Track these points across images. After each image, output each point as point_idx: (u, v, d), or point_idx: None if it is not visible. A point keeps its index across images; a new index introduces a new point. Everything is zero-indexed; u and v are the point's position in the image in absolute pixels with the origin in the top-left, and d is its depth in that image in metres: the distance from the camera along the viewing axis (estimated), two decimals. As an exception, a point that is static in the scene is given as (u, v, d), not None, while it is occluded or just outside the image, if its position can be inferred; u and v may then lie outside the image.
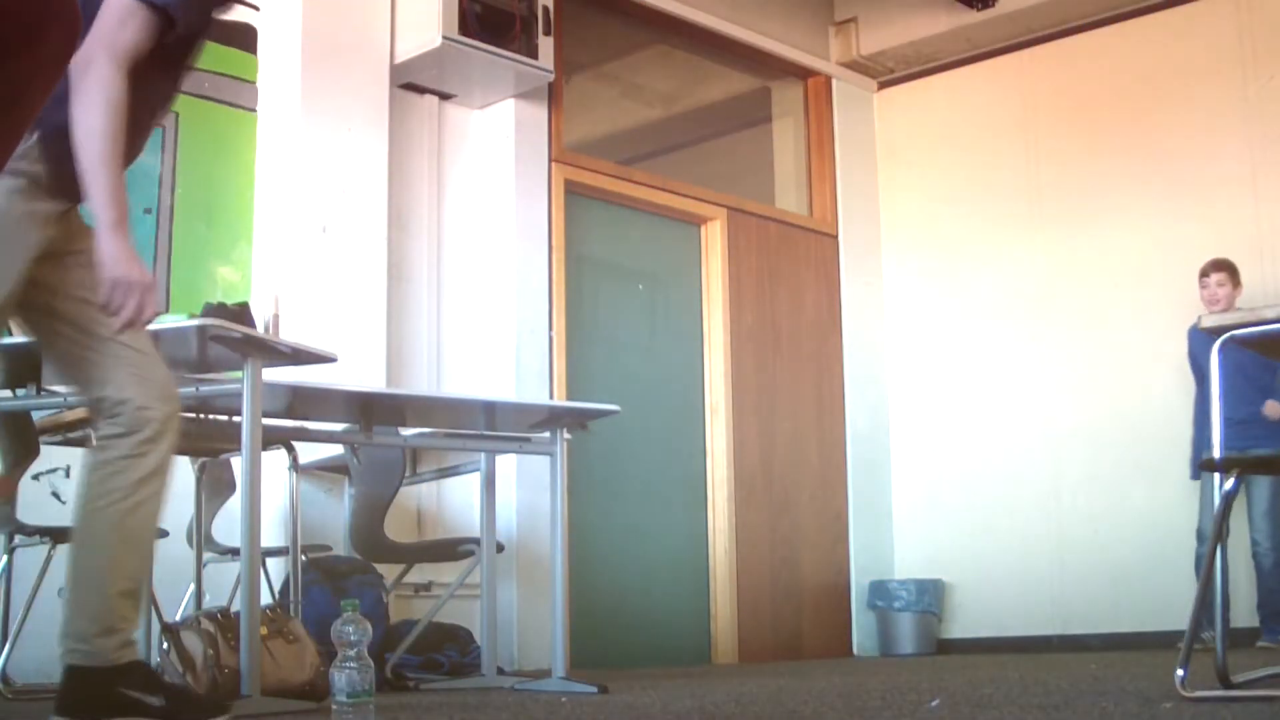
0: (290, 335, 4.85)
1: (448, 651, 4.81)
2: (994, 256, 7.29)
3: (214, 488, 4.68)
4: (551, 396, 5.91)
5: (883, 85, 7.81)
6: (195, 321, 3.23)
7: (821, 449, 7.18)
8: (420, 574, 5.30)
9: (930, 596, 6.98)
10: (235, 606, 3.49)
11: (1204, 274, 6.01)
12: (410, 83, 5.84)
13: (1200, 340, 5.61)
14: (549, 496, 4.44)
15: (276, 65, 5.53)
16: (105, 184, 2.43)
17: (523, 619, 5.60)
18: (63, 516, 4.49)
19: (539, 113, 6.16)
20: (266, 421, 3.57)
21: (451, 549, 4.80)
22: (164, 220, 5.26)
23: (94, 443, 2.66)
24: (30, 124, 1.08)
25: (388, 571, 4.91)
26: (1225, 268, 5.99)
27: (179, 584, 4.51)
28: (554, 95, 6.24)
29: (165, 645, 3.16)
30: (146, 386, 2.62)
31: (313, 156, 5.44)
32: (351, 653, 2.82)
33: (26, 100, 1.02)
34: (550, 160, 6.16)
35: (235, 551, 4.41)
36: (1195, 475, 5.94)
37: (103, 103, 2.42)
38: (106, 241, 2.45)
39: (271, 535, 4.72)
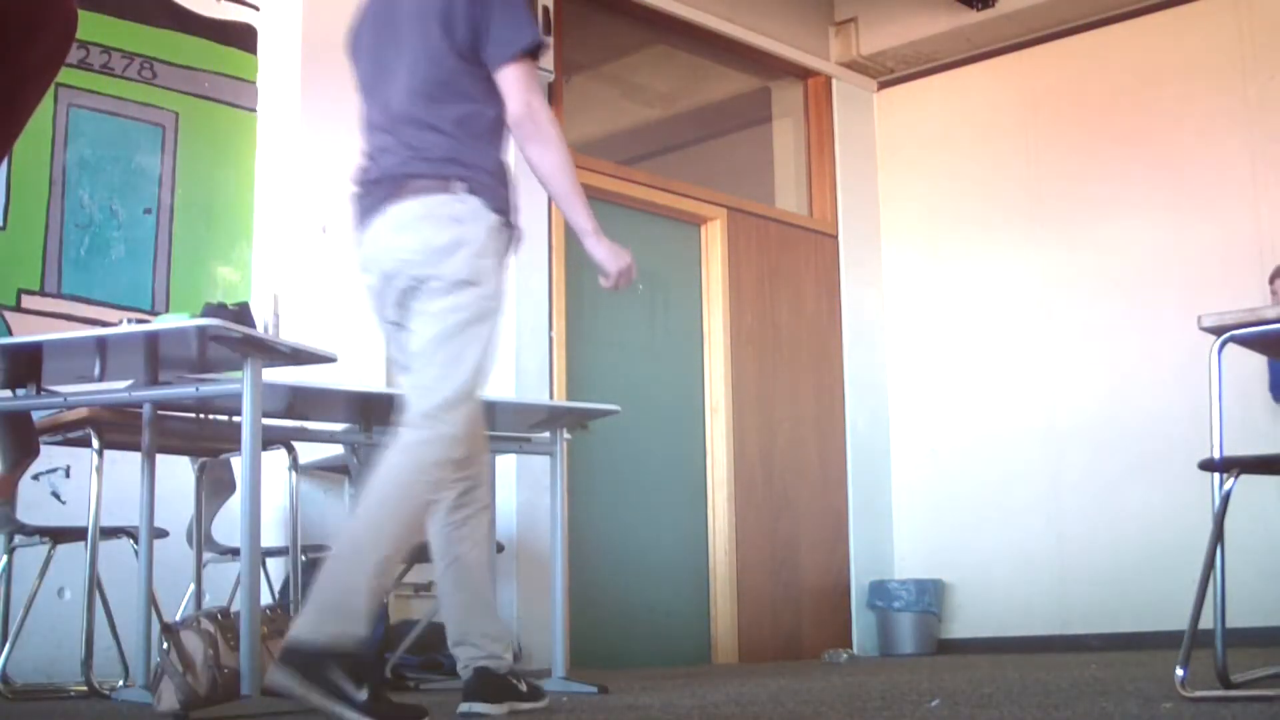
0: (290, 335, 4.85)
1: (447, 651, 4.79)
2: (994, 256, 7.29)
3: (214, 488, 4.68)
4: (551, 397, 5.91)
5: (883, 85, 7.81)
6: (195, 321, 3.23)
7: (821, 449, 7.18)
8: (420, 574, 5.29)
9: (930, 596, 6.98)
10: (235, 606, 3.49)
11: (1274, 278, 5.95)
12: (410, 83, 5.83)
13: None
14: (549, 496, 4.44)
15: (276, 65, 5.53)
16: (583, 204, 3.04)
17: (523, 619, 5.60)
18: (63, 516, 4.51)
19: (539, 113, 6.15)
20: (266, 421, 3.57)
21: (451, 549, 4.78)
22: (164, 220, 5.26)
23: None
24: (28, 119, 1.08)
25: (388, 571, 4.90)
26: None
27: (179, 584, 4.51)
28: (554, 95, 6.23)
29: (165, 645, 3.15)
30: None
31: (313, 156, 5.43)
32: None
33: (23, 97, 1.02)
34: (550, 160, 6.14)
35: (235, 551, 4.41)
36: None
37: (558, 139, 2.97)
38: (599, 245, 3.09)
39: (271, 535, 4.72)
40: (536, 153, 2.95)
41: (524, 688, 3.15)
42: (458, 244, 2.88)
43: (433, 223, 2.90)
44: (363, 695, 2.61)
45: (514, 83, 2.94)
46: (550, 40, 2.99)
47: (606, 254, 3.07)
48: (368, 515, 2.81)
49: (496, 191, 2.97)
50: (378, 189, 3.00)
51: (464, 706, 3.03)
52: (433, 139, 2.95)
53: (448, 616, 3.19)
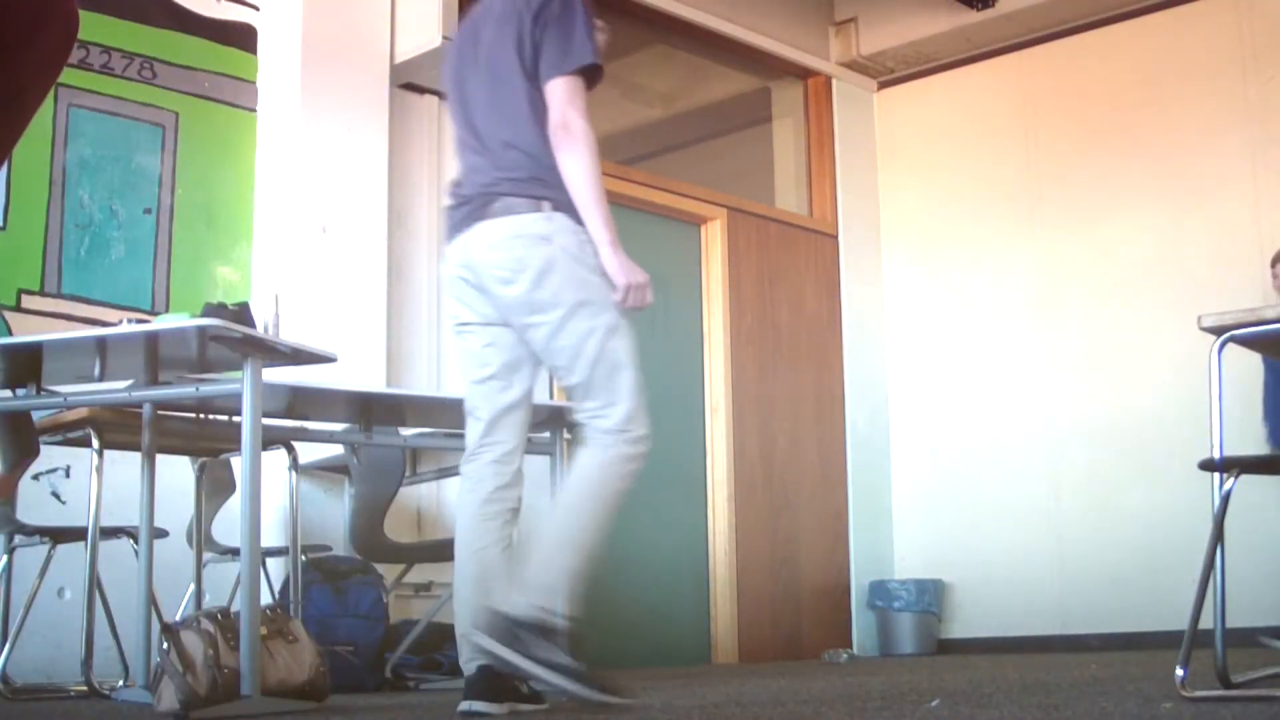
0: (290, 335, 4.85)
1: (448, 651, 4.80)
2: (994, 256, 7.29)
3: (214, 488, 4.68)
4: (551, 397, 5.90)
5: (883, 85, 7.81)
6: (195, 321, 3.23)
7: (821, 449, 7.18)
8: (420, 574, 5.30)
9: (930, 596, 6.98)
10: (235, 606, 3.49)
11: (1275, 262, 5.96)
12: (410, 83, 5.84)
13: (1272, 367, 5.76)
14: (549, 496, 4.43)
15: (276, 65, 5.53)
16: (603, 216, 3.06)
17: (523, 619, 5.59)
18: (63, 516, 4.51)
19: (539, 113, 6.15)
20: (266, 421, 3.57)
21: (451, 549, 4.78)
22: (164, 220, 5.25)
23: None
24: (29, 121, 1.08)
25: (388, 571, 4.91)
26: None
27: (179, 584, 4.51)
28: (554, 95, 6.22)
29: (165, 645, 3.15)
30: None
31: (313, 156, 5.44)
32: None
33: (24, 98, 1.02)
34: (550, 160, 6.15)
35: (235, 551, 4.41)
36: None
37: (588, 150, 3.07)
38: (612, 257, 3.06)
39: (271, 535, 4.72)
40: (566, 159, 3.09)
41: (526, 690, 3.16)
42: (552, 262, 3.06)
43: (523, 242, 3.07)
44: (574, 663, 2.80)
45: (556, 94, 3.11)
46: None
47: (619, 267, 3.11)
48: (566, 501, 3.14)
49: None
50: (467, 206, 3.18)
51: (465, 705, 3.03)
52: (517, 158, 3.13)
53: (459, 607, 3.21)
